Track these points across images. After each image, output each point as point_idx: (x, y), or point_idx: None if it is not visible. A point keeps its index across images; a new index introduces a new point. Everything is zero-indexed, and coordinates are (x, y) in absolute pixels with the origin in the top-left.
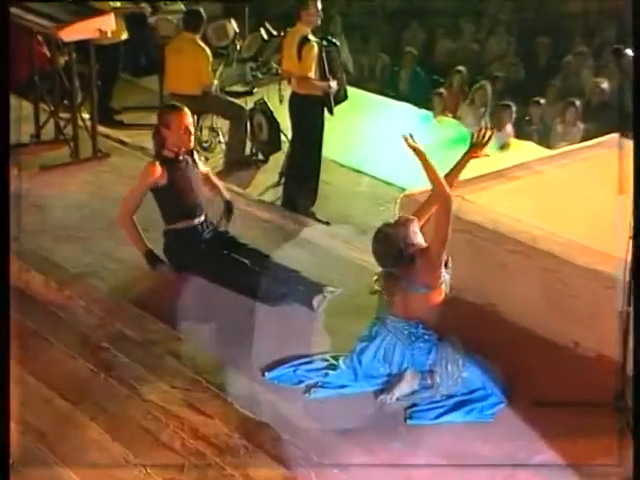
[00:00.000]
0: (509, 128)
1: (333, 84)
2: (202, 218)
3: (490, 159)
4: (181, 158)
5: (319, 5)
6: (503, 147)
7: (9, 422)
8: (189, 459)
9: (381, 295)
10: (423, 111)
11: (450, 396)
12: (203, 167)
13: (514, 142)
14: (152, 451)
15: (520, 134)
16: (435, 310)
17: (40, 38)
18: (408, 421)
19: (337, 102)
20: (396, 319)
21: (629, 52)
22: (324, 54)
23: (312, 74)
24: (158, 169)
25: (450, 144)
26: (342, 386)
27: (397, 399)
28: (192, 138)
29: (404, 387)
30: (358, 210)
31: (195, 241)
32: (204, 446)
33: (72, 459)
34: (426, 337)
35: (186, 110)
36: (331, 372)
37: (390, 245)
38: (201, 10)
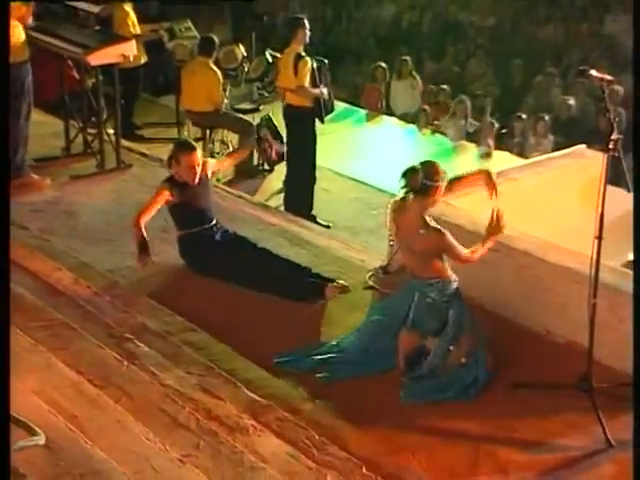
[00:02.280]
0: (490, 141)
1: (324, 90)
2: (213, 222)
3: (471, 169)
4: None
5: (307, 24)
6: (484, 156)
7: (9, 413)
8: (203, 437)
9: (374, 291)
10: (411, 125)
11: (438, 377)
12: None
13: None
14: (170, 430)
15: (500, 146)
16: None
17: (70, 63)
18: (401, 400)
19: (326, 113)
20: (417, 278)
21: (593, 73)
22: (315, 68)
23: (307, 84)
24: (166, 194)
25: (434, 154)
26: (342, 370)
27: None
28: (197, 175)
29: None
30: (353, 214)
31: (208, 242)
32: (216, 426)
33: (99, 438)
34: (447, 292)
35: (197, 152)
36: (333, 357)
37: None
38: (214, 37)
